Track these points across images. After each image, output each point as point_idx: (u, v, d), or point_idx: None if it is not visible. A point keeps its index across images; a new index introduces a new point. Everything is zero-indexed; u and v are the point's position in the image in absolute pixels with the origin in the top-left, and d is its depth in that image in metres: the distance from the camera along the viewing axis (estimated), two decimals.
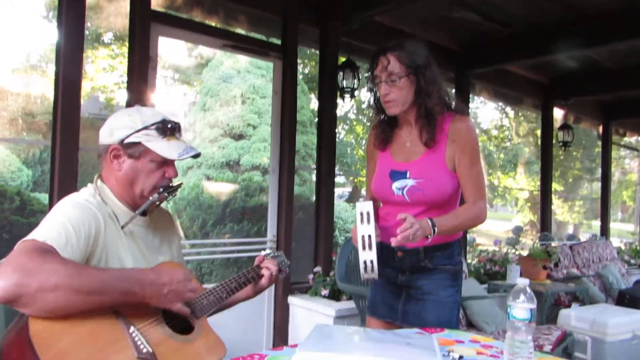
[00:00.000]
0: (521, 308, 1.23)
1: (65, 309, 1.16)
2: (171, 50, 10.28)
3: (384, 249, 1.91)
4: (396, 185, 1.89)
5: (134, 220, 1.48)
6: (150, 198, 1.48)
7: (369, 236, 1.63)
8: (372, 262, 1.63)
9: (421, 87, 1.84)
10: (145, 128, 1.45)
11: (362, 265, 1.65)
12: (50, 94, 3.41)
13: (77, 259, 1.28)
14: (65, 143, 2.80)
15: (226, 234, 6.70)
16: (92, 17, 8.82)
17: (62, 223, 1.29)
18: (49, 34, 10.77)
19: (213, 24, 3.85)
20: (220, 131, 8.12)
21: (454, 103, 1.94)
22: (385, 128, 2.00)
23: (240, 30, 4.17)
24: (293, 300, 3.88)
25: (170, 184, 1.52)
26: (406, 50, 1.84)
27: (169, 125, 1.48)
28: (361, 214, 1.65)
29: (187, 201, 7.24)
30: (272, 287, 3.87)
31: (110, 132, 1.46)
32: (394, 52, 1.84)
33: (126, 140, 1.44)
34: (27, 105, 9.10)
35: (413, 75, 1.84)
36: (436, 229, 1.68)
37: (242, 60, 8.33)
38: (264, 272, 1.76)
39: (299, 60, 4.15)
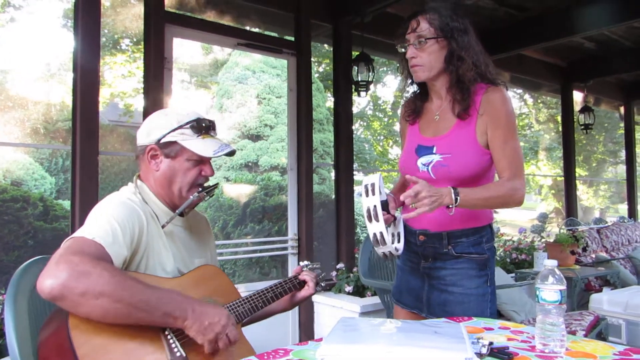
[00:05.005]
0: (550, 290, 1.19)
1: (104, 318, 1.17)
2: (187, 54, 10.36)
3: (406, 233, 1.81)
4: (421, 161, 1.76)
5: (173, 220, 1.50)
6: (191, 197, 1.49)
7: (374, 207, 1.50)
8: (381, 233, 1.50)
9: (453, 51, 1.70)
10: (181, 127, 1.47)
11: (372, 239, 1.53)
12: (70, 102, 3.48)
13: (123, 257, 1.30)
14: (85, 148, 2.84)
15: (247, 234, 6.72)
16: (109, 24, 8.94)
17: (109, 221, 1.30)
18: (68, 43, 10.93)
19: (226, 24, 3.86)
20: (238, 132, 8.15)
21: (490, 73, 1.75)
22: (415, 101, 1.88)
23: (253, 29, 4.18)
24: (317, 298, 3.86)
25: (207, 184, 1.55)
26: (439, 13, 1.72)
27: (204, 124, 1.50)
28: (365, 187, 1.53)
29: (208, 203, 7.29)
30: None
31: (148, 133, 1.50)
32: (425, 15, 1.72)
33: (162, 140, 1.47)
34: (48, 113, 9.26)
35: (444, 39, 1.70)
36: (459, 197, 1.52)
37: (257, 59, 8.35)
38: (307, 285, 1.76)
39: (313, 59, 4.14)
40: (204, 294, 1.46)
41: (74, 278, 1.13)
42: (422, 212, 1.50)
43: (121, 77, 10.12)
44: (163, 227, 1.46)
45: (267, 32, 4.25)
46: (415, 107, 1.88)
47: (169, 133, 1.47)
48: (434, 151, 1.74)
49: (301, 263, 1.86)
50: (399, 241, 1.71)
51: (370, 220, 1.52)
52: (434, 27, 1.70)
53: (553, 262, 1.23)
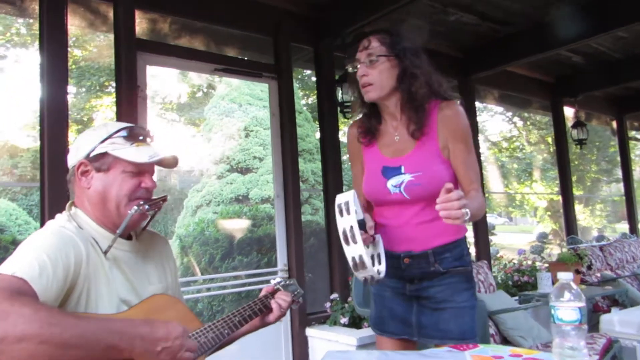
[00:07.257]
0: (567, 308, 1.00)
1: None
2: (172, 91, 10.34)
3: (388, 257, 1.71)
4: (392, 182, 1.72)
5: (118, 244, 1.31)
6: (130, 212, 1.30)
7: (351, 228, 1.39)
8: (360, 257, 1.39)
9: (405, 69, 1.70)
10: (110, 137, 1.32)
11: (350, 263, 1.42)
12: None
13: (55, 292, 1.10)
14: (54, 187, 2.67)
15: (236, 267, 6.51)
16: (94, 67, 8.92)
17: (35, 252, 1.12)
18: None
19: (202, 49, 3.74)
20: (227, 166, 8.03)
21: (444, 91, 1.77)
22: (368, 121, 1.84)
23: (231, 55, 4.05)
24: (311, 332, 3.64)
25: (150, 197, 1.36)
26: (390, 33, 1.74)
27: (137, 131, 1.35)
28: (339, 207, 1.42)
29: (194, 237, 7.11)
30: (288, 319, 3.65)
31: (76, 151, 1.34)
32: (376, 35, 1.74)
33: (92, 154, 1.31)
34: (36, 160, 9.22)
35: (395, 58, 1.71)
36: (468, 210, 1.39)
37: (243, 92, 8.29)
38: (274, 305, 1.58)
39: (302, 92, 4.02)
40: None
41: None
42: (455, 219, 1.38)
43: (109, 121, 10.06)
44: (105, 252, 1.27)
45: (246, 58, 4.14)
46: (369, 127, 1.84)
47: (98, 145, 1.31)
48: (403, 171, 1.72)
49: (273, 281, 1.70)
50: (379, 263, 1.61)
51: (347, 242, 1.40)
52: (385, 45, 1.72)
53: (568, 276, 1.04)
